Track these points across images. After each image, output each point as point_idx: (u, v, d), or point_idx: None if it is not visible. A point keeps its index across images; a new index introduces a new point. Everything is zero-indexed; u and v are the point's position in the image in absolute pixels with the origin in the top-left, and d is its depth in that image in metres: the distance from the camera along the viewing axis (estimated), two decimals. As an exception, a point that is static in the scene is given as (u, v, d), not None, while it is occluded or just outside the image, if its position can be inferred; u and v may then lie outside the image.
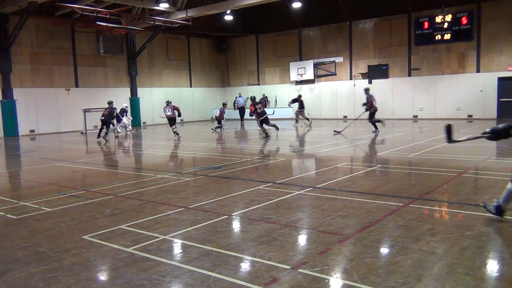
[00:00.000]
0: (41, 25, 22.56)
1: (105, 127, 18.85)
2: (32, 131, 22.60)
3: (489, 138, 4.94)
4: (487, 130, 4.90)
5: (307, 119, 23.10)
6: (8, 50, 21.24)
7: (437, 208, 5.78)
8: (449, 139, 5.20)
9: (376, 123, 16.93)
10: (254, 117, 16.71)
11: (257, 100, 17.83)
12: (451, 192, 6.60)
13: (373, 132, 16.56)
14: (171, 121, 17.57)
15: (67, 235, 5.01)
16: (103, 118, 19.04)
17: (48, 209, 6.26)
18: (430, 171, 8.38)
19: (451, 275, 3.59)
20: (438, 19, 23.29)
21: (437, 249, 4.21)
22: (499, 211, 4.97)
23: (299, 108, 23.67)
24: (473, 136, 5.35)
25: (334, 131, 17.18)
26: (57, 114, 23.50)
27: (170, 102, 18.35)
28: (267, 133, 16.39)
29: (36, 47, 22.75)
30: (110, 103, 19.62)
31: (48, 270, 3.93)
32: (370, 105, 17.13)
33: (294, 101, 23.84)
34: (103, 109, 19.52)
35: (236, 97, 28.61)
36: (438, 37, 23.46)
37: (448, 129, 5.13)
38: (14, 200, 7.03)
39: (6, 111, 21.46)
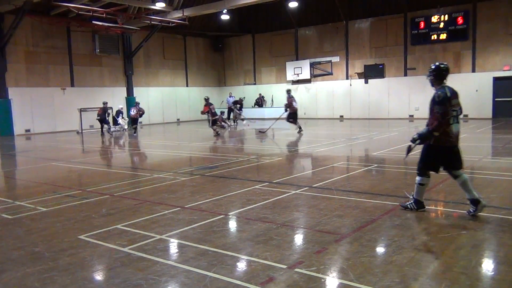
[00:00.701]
0: (36, 24, 22.45)
1: (104, 125, 20.60)
2: (28, 130, 22.50)
3: (420, 144, 5.33)
4: (415, 136, 5.30)
5: (242, 119, 24.38)
6: (3, 49, 21.13)
7: (433, 207, 5.80)
8: (407, 155, 5.59)
9: (297, 123, 18.01)
10: (207, 116, 18.27)
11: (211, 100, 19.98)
12: (447, 192, 6.62)
13: (298, 132, 17.37)
14: (134, 121, 20.33)
15: (63, 235, 4.99)
16: (98, 118, 20.77)
17: (44, 209, 6.23)
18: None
19: (447, 274, 3.61)
20: (434, 19, 23.36)
21: (433, 248, 4.23)
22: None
23: (239, 110, 24.88)
24: (411, 147, 5.52)
25: (259, 131, 18.73)
26: (53, 113, 23.41)
27: (138, 104, 20.98)
28: (217, 132, 17.97)
29: (32, 46, 22.65)
30: (104, 103, 21.14)
31: (44, 270, 3.92)
32: (289, 106, 18.06)
33: (235, 102, 25.08)
34: (98, 109, 20.84)
35: (227, 97, 28.78)
36: (434, 37, 23.54)
37: (409, 150, 5.54)
38: (9, 200, 7.00)
39: (1, 110, 21.35)
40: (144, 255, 4.20)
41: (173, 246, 4.53)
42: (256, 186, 7.34)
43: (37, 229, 5.27)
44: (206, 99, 18.78)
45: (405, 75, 24.85)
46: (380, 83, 25.59)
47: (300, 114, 28.44)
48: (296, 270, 3.73)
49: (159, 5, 22.95)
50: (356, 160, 10.75)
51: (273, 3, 25.18)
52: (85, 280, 3.71)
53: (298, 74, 28.16)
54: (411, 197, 5.54)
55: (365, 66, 26.07)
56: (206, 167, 9.61)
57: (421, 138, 5.24)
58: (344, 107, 27.18)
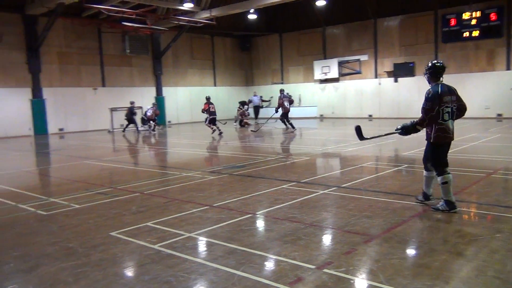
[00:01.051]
0: (68, 26, 23.07)
1: (131, 124, 21.25)
2: (61, 129, 23.15)
3: (400, 134, 5.65)
4: (398, 126, 5.63)
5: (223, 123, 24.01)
6: (37, 50, 21.82)
7: (466, 209, 5.66)
8: (360, 137, 6.06)
9: (291, 122, 18.59)
10: (205, 114, 18.58)
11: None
12: (480, 193, 6.45)
13: (291, 131, 17.90)
14: (146, 121, 21.31)
15: (95, 231, 5.11)
16: (126, 117, 21.62)
17: (77, 206, 6.40)
18: (458, 171, 8.19)
19: (481, 278, 3.51)
20: (466, 15, 22.74)
21: (465, 251, 4.12)
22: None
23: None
24: (385, 132, 6.36)
25: (251, 130, 19.40)
26: (85, 113, 24.02)
27: (155, 105, 22.05)
28: (214, 129, 18.39)
29: (64, 47, 23.29)
30: (131, 103, 21.95)
31: (77, 265, 4.03)
32: (280, 106, 18.63)
33: (243, 103, 24.71)
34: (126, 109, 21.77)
35: (251, 97, 28.85)
36: (466, 34, 22.92)
37: (358, 130, 6.00)
38: (44, 197, 7.22)
39: (36, 110, 22.06)
40: (174, 253, 4.26)
41: (202, 244, 4.58)
42: (284, 186, 7.33)
43: (70, 225, 5.42)
44: (208, 98, 18.79)
45: (436, 73, 24.30)
46: (410, 81, 25.12)
47: (328, 113, 28.55)
48: (325, 270, 3.71)
49: (187, 6, 23.22)
50: (385, 160, 10.59)
51: (300, 1, 25.08)
52: (116, 276, 3.79)
53: (326, 73, 27.94)
54: (441, 199, 5.45)
55: (394, 64, 25.63)
56: (234, 166, 9.65)
57: (404, 129, 5.56)
58: (373, 106, 26.81)
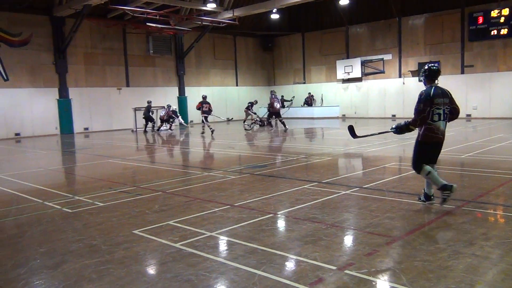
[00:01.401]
0: (94, 27, 23.52)
1: (149, 122, 21.82)
2: (86, 129, 23.62)
3: (395, 133, 5.93)
4: (393, 126, 5.89)
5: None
6: (64, 51, 22.32)
7: (492, 211, 5.52)
8: (354, 136, 6.49)
9: (283, 121, 19.39)
10: (200, 111, 19.64)
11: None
12: (508, 195, 6.29)
13: (284, 131, 18.55)
14: (161, 121, 21.82)
15: (118, 229, 5.19)
16: (143, 116, 22.00)
17: (101, 204, 6.52)
18: (484, 173, 8.02)
19: (507, 282, 3.42)
20: (494, 13, 22.21)
21: (491, 254, 4.02)
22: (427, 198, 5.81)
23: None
24: (379, 131, 6.75)
25: (245, 129, 20.26)
26: (109, 112, 24.44)
27: (170, 106, 22.66)
28: (209, 126, 19.33)
29: (90, 48, 23.75)
30: (149, 102, 22.34)
31: (101, 263, 4.10)
32: (270, 106, 19.44)
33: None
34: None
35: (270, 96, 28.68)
36: (494, 32, 22.38)
37: (350, 129, 6.46)
38: (69, 195, 7.38)
39: (62, 109, 22.57)
40: (195, 251, 4.29)
41: (223, 244, 4.60)
42: (305, 186, 7.30)
43: (94, 223, 5.52)
44: (204, 97, 19.73)
45: (462, 72, 23.82)
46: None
47: (350, 113, 28.29)
48: (346, 271, 3.67)
49: (210, 6, 23.37)
50: (408, 161, 10.39)
51: (323, 1, 24.96)
52: (139, 274, 3.84)
53: (348, 72, 27.71)
54: (440, 191, 5.58)
55: (419, 64, 25.20)
56: (255, 166, 9.67)
57: (398, 129, 5.83)
58: (396, 106, 26.44)
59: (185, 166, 11.08)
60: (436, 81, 5.69)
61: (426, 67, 5.77)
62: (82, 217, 5.83)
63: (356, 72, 27.31)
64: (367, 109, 27.81)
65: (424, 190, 5.83)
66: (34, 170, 10.78)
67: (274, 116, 20.03)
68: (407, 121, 5.72)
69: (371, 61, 27.16)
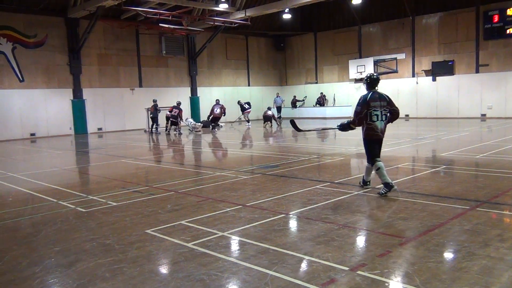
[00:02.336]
0: (108, 28, 23.74)
1: (154, 123, 21.92)
2: (100, 129, 23.85)
3: (339, 130, 7.01)
4: (338, 124, 6.98)
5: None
6: (78, 52, 22.57)
7: (508, 212, 5.44)
8: (297, 129, 7.57)
9: (214, 125, 21.79)
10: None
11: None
12: (524, 196, 6.18)
13: (213, 131, 20.20)
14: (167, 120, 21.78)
15: (131, 228, 5.23)
16: (151, 115, 21.98)
17: (114, 204, 6.58)
18: (500, 173, 7.90)
19: (523, 284, 3.37)
20: (510, 11, 21.87)
21: (507, 255, 3.96)
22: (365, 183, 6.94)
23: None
24: (323, 127, 7.71)
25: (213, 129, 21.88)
26: (122, 113, 24.65)
27: (219, 101, 23.47)
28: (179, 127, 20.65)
29: (104, 49, 23.98)
30: (154, 101, 22.34)
31: (114, 262, 4.13)
32: (211, 112, 21.99)
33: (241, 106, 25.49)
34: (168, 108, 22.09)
35: (274, 97, 29.85)
36: (510, 30, 22.06)
37: (292, 123, 7.68)
38: (83, 194, 7.45)
39: (76, 110, 22.83)
40: (207, 251, 4.30)
41: (235, 243, 4.61)
42: (317, 186, 7.28)
43: (107, 222, 5.57)
44: (178, 103, 21.47)
45: (477, 71, 23.50)
46: (449, 80, 24.41)
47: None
48: (358, 272, 3.65)
49: (222, 6, 23.42)
50: (422, 161, 10.33)
51: (336, 0, 24.85)
52: (151, 273, 3.86)
53: (361, 72, 27.51)
54: (383, 184, 6.45)
55: (433, 63, 24.97)
56: (267, 166, 9.66)
57: (341, 127, 6.94)
58: (409, 105, 26.20)
59: (197, 166, 11.12)
60: (376, 87, 6.66)
61: (367, 76, 6.74)
62: (96, 217, 5.89)
63: (369, 71, 27.02)
64: (380, 109, 27.58)
65: (382, 182, 6.48)
66: (48, 170, 10.92)
67: (215, 121, 22.76)
68: (349, 120, 6.73)
69: (384, 60, 26.95)
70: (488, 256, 3.92)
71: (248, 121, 24.69)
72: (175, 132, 21.17)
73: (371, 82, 6.67)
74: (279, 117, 26.93)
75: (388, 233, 4.68)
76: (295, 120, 7.26)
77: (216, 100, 24.00)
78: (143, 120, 23.79)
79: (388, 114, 6.53)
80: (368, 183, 6.91)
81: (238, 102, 25.58)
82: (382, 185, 6.47)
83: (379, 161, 6.49)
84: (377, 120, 6.41)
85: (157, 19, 22.82)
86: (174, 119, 21.02)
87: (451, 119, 23.24)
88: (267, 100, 31.80)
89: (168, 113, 21.36)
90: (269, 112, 23.31)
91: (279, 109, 29.10)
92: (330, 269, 3.74)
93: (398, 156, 10.70)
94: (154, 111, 21.88)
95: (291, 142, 15.71)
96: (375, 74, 6.81)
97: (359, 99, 6.52)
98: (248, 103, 25.43)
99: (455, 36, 24.27)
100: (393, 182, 6.48)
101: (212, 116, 22.87)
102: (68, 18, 22.05)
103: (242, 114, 25.21)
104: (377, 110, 6.39)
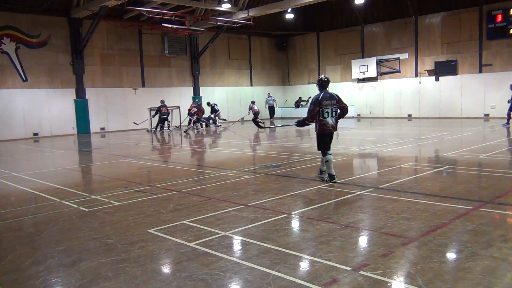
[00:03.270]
0: (111, 28, 23.78)
1: (162, 123, 22.54)
2: (102, 128, 23.89)
3: (296, 126, 7.90)
4: (296, 121, 7.90)
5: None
6: (81, 52, 22.62)
7: (511, 212, 5.42)
8: (258, 126, 8.95)
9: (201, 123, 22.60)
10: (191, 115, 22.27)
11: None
12: (527, 196, 6.16)
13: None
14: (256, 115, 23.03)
15: (133, 228, 5.24)
16: (164, 116, 22.61)
17: (117, 203, 6.59)
18: (503, 173, 7.88)
19: (526, 285, 3.36)
20: (513, 11, 21.80)
21: (510, 256, 3.95)
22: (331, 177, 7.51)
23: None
24: (282, 124, 8.70)
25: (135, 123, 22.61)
26: (125, 112, 24.68)
27: (253, 102, 25.40)
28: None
29: (106, 49, 24.02)
30: (162, 101, 23.11)
31: (117, 261, 4.14)
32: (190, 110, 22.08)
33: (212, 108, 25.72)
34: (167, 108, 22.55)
35: (266, 98, 30.04)
36: (513, 30, 21.97)
37: (254, 120, 9.18)
38: (86, 194, 7.47)
39: (79, 110, 22.87)
40: (209, 251, 4.31)
41: (237, 243, 4.61)
42: (320, 186, 7.27)
43: (110, 221, 5.58)
44: (162, 101, 22.15)
45: (480, 71, 23.43)
46: (452, 80, 24.34)
47: (365, 113, 28.09)
48: (361, 272, 3.65)
49: (225, 6, 23.43)
50: (425, 161, 10.31)
51: (338, 0, 24.82)
52: (154, 273, 3.87)
53: (364, 72, 27.49)
54: (326, 173, 7.53)
55: (435, 63, 24.90)
56: (269, 166, 9.66)
57: (298, 123, 7.81)
58: (412, 105, 26.15)
59: (199, 165, 11.13)
60: (327, 88, 7.49)
61: (319, 78, 7.57)
62: (98, 216, 5.90)
63: (372, 71, 27.07)
64: (382, 109, 27.56)
65: (328, 173, 7.46)
66: (51, 169, 10.95)
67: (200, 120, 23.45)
68: (304, 118, 7.60)
69: (386, 60, 26.90)
70: (491, 257, 3.91)
71: (214, 122, 24.97)
72: (198, 130, 22.23)
73: (323, 83, 7.51)
74: (272, 119, 28.13)
75: (390, 233, 4.67)
76: (297, 120, 7.87)
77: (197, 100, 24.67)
78: (146, 119, 23.82)
79: (338, 111, 7.43)
80: (323, 173, 7.68)
81: (208, 103, 25.65)
82: (333, 175, 7.41)
83: (329, 154, 7.44)
84: (328, 116, 7.35)
85: (160, 19, 22.82)
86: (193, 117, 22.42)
87: (454, 119, 23.18)
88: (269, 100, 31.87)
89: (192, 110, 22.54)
90: (256, 107, 24.61)
91: (271, 109, 29.30)
92: (333, 269, 3.74)
93: (401, 156, 10.68)
94: (166, 111, 22.19)
95: (293, 142, 15.71)
96: (325, 76, 7.62)
97: (312, 99, 7.47)
98: (216, 104, 25.79)
99: (458, 36, 24.20)
100: (393, 182, 6.46)
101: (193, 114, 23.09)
102: (71, 18, 22.09)
103: (214, 115, 25.27)
104: (328, 108, 7.32)
